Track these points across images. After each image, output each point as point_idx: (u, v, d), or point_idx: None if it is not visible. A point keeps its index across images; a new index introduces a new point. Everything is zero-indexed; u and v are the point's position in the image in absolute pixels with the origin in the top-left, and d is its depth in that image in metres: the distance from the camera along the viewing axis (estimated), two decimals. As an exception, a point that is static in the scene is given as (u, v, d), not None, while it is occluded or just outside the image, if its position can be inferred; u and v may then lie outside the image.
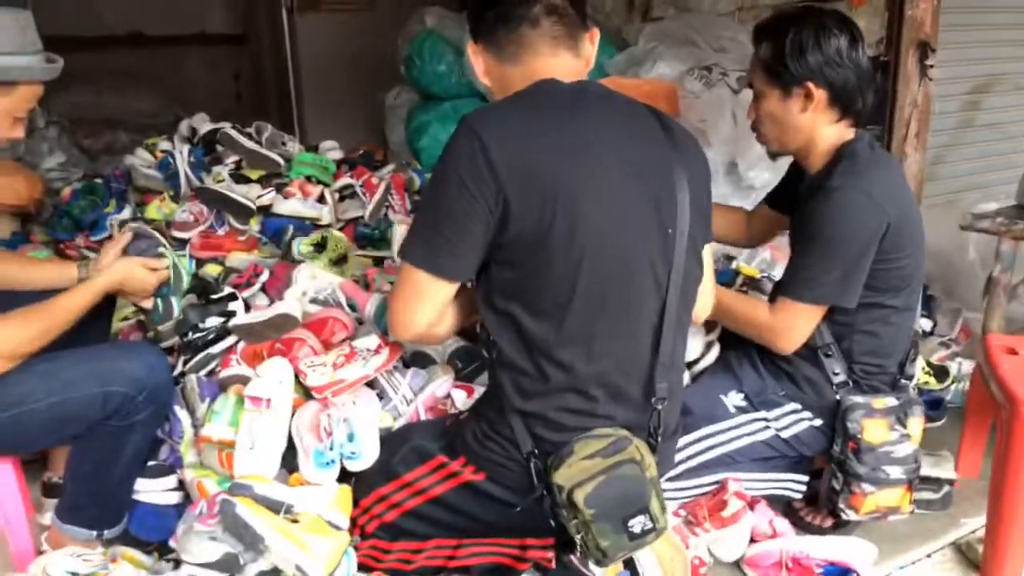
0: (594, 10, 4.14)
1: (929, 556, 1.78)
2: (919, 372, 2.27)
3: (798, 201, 1.75)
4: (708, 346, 1.97)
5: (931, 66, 3.37)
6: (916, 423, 1.68)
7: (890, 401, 1.67)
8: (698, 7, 4.01)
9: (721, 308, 1.71)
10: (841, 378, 1.69)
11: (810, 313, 1.64)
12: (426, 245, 1.31)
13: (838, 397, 1.68)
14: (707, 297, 1.56)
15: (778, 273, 2.69)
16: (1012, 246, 2.56)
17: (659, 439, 1.39)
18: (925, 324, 2.61)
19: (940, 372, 2.39)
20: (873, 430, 1.63)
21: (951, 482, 1.92)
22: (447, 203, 1.27)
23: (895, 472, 1.63)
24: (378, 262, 2.51)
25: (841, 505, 1.67)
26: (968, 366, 2.44)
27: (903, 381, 1.74)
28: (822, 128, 1.67)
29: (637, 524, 1.30)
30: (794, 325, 1.65)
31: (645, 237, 1.34)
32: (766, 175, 3.29)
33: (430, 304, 1.34)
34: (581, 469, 1.30)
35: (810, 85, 1.61)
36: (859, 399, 1.66)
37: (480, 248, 1.29)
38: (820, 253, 1.59)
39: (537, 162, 1.25)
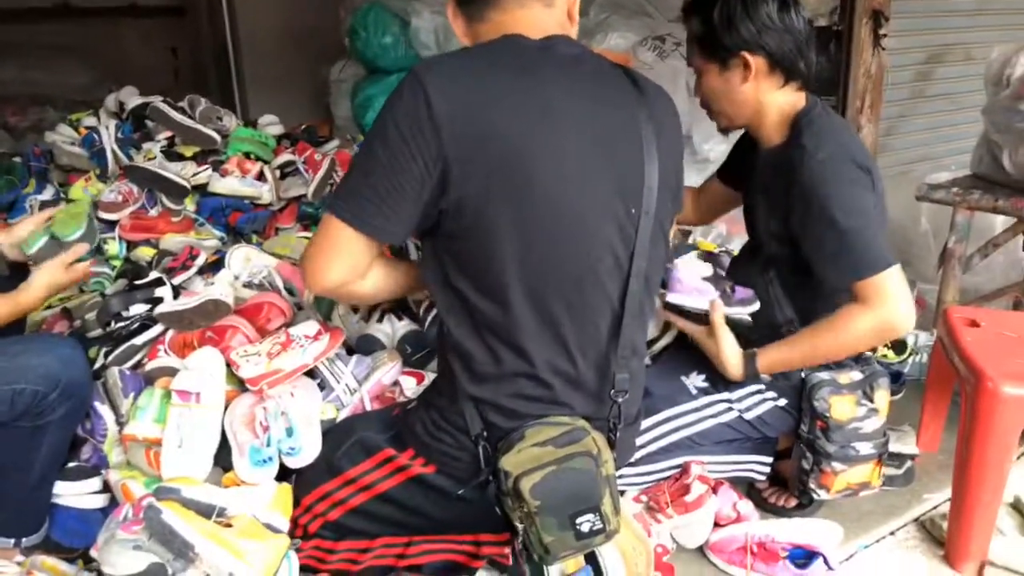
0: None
1: (893, 533, 1.75)
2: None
3: (756, 175, 1.68)
4: (667, 324, 1.91)
5: (884, 35, 3.35)
6: (882, 396, 1.64)
7: (855, 375, 1.62)
8: (651, -24, 3.91)
9: (806, 354, 1.57)
10: None
11: (898, 274, 1.51)
12: (352, 197, 1.20)
13: (803, 375, 1.63)
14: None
15: (735, 246, 2.64)
16: (967, 216, 2.56)
17: (618, 433, 1.31)
18: (881, 296, 2.59)
19: (898, 345, 2.37)
20: (840, 407, 1.59)
21: (913, 457, 1.89)
22: (382, 156, 1.16)
23: (865, 448, 1.59)
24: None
25: (812, 485, 1.63)
26: (925, 338, 2.43)
27: (867, 354, 1.69)
28: (769, 96, 1.60)
29: (585, 523, 1.20)
30: (898, 294, 1.49)
31: (605, 216, 1.23)
32: (721, 147, 3.24)
33: (347, 259, 1.23)
34: (531, 457, 1.21)
35: (745, 55, 1.55)
36: (824, 375, 1.61)
37: (412, 210, 1.18)
38: (856, 220, 1.48)
39: (486, 124, 1.14)
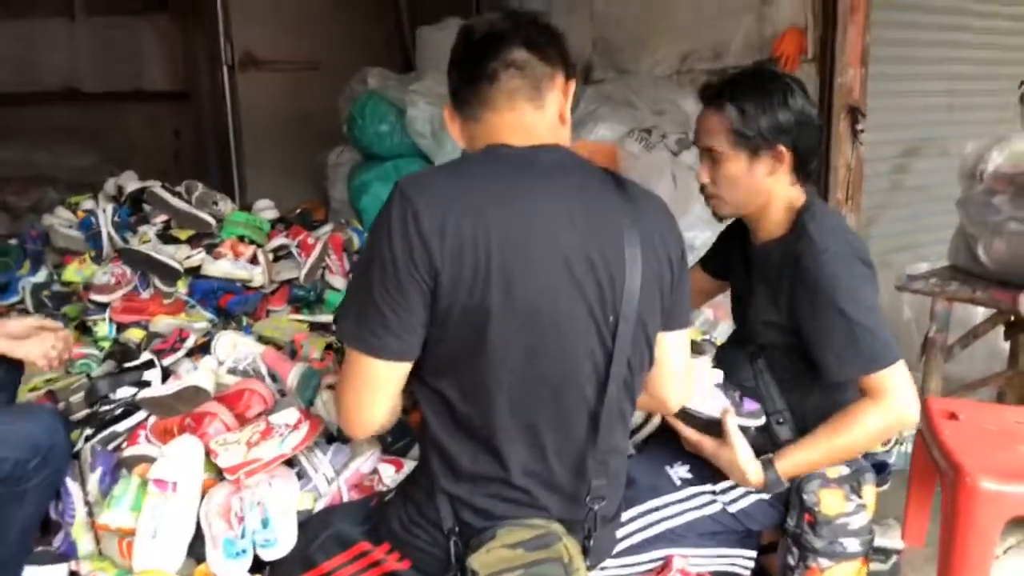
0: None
1: (880, 632, 1.71)
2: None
3: (751, 266, 1.71)
4: (650, 414, 1.91)
5: (861, 130, 3.47)
6: (869, 491, 1.63)
7: (842, 469, 1.61)
8: (637, 70, 4.08)
9: (823, 455, 1.56)
10: None
11: (904, 369, 1.52)
12: (363, 327, 1.21)
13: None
14: (682, 386, 1.49)
15: (719, 333, 2.66)
16: (946, 306, 2.59)
17: (592, 540, 1.30)
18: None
19: (883, 434, 2.36)
20: (829, 500, 1.57)
21: (899, 551, 1.87)
22: (381, 280, 1.19)
23: (852, 545, 1.56)
24: (313, 327, 2.41)
25: (796, 583, 1.60)
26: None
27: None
28: (780, 189, 1.62)
29: None
30: (904, 389, 1.51)
31: (585, 325, 1.25)
32: (706, 235, 3.31)
33: (385, 392, 1.24)
34: (500, 558, 1.19)
35: (781, 148, 1.57)
36: None
37: (423, 322, 1.20)
38: (865, 314, 1.50)
39: (470, 237, 1.17)
